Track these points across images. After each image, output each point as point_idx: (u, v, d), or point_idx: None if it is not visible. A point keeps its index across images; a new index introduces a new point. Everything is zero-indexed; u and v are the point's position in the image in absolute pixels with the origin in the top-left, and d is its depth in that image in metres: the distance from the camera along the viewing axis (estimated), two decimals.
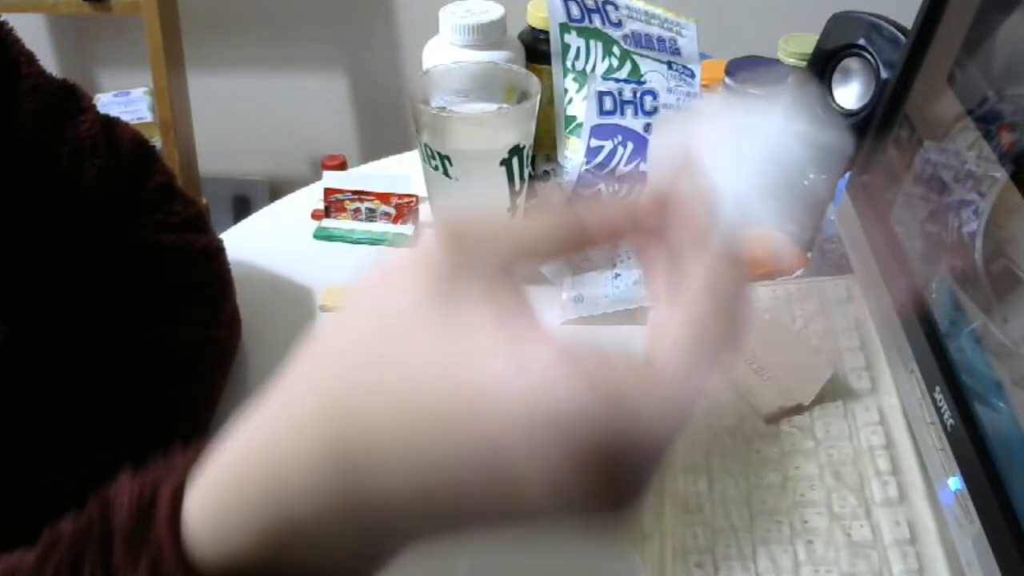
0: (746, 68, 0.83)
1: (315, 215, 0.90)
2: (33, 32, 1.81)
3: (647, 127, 0.78)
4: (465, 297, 0.27)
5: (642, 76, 0.85)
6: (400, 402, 0.26)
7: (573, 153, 0.87)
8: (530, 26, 0.92)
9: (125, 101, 1.79)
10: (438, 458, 0.26)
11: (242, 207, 2.03)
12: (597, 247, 0.32)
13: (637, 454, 0.26)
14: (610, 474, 0.26)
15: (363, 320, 0.28)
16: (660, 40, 0.82)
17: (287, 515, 0.27)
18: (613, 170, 0.77)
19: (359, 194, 0.87)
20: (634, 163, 0.77)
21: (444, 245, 0.28)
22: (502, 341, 0.26)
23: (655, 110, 0.78)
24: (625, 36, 0.83)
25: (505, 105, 0.76)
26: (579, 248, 0.31)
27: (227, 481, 0.28)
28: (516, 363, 0.26)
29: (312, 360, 0.29)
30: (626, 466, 0.26)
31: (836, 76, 0.81)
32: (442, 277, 0.27)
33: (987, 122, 0.53)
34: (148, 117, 1.77)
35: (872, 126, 0.68)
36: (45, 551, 0.29)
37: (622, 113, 0.78)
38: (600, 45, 0.85)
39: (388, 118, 1.98)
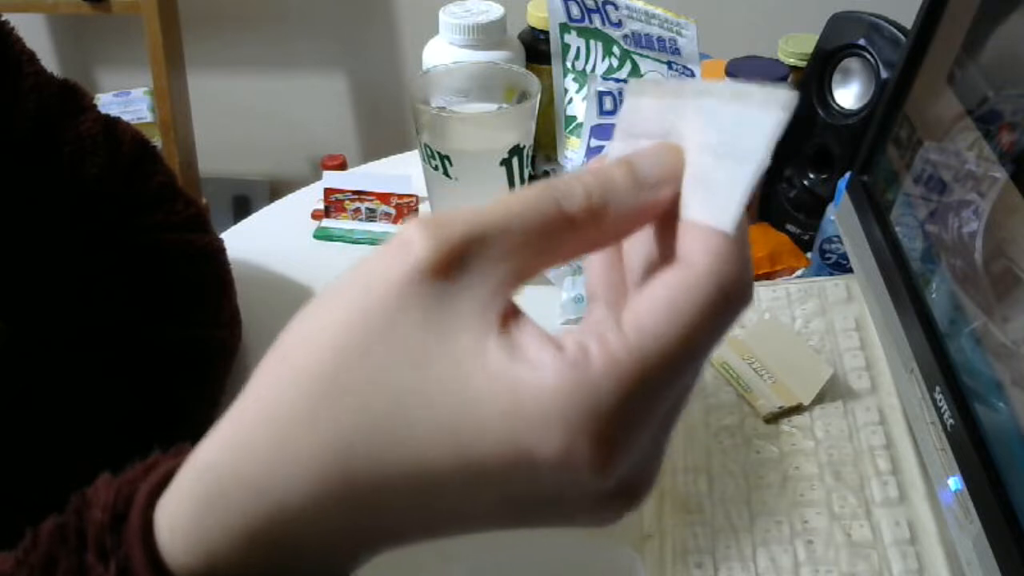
0: (746, 68, 0.83)
1: (315, 215, 0.90)
2: (33, 32, 1.81)
3: None
4: (454, 305, 0.26)
5: (642, 76, 0.85)
6: (401, 428, 0.25)
7: (573, 153, 0.87)
8: (530, 26, 0.92)
9: (125, 101, 1.79)
10: (445, 487, 0.26)
11: (242, 207, 2.03)
12: (585, 237, 0.27)
13: (633, 426, 0.26)
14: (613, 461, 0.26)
15: (346, 325, 0.26)
16: (660, 40, 0.82)
17: (278, 532, 0.27)
18: None
19: (359, 194, 0.87)
20: None
21: (433, 242, 0.26)
22: (494, 365, 0.25)
23: None
24: (625, 36, 0.83)
25: (505, 105, 0.77)
26: (561, 235, 0.27)
27: (210, 493, 0.27)
28: (511, 386, 0.25)
29: (296, 370, 0.26)
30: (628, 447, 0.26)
31: (836, 76, 0.81)
32: (429, 277, 0.25)
33: (987, 122, 0.53)
34: (148, 117, 1.77)
35: (872, 126, 0.68)
36: (25, 548, 0.29)
37: None
38: (600, 45, 0.85)
39: (388, 118, 1.98)
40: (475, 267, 0.26)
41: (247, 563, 0.27)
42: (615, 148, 0.30)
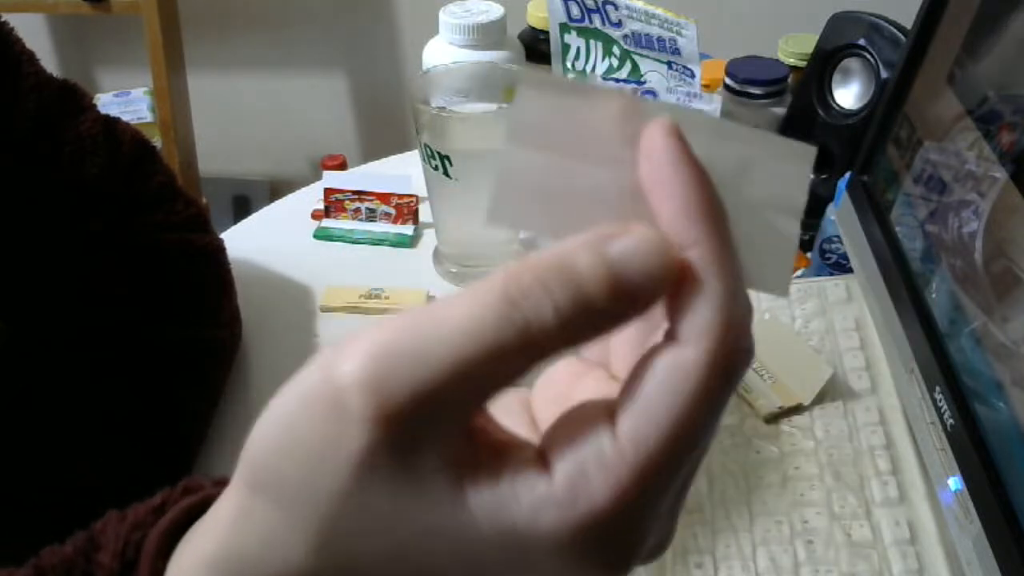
0: (746, 68, 0.83)
1: (315, 215, 0.90)
2: (33, 32, 1.81)
3: None
4: (417, 468, 0.24)
5: (642, 76, 0.85)
6: None
7: None
8: (530, 26, 0.92)
9: (125, 101, 1.79)
10: None
11: (242, 207, 2.03)
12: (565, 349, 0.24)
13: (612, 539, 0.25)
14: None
15: (324, 502, 0.24)
16: (660, 40, 0.82)
17: None
18: None
19: (359, 194, 0.87)
20: None
21: (376, 419, 0.23)
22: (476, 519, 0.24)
23: None
24: (625, 36, 0.83)
25: (505, 105, 0.76)
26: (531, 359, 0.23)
27: None
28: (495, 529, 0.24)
29: (290, 522, 0.25)
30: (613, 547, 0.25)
31: (836, 76, 0.81)
32: (380, 457, 0.23)
33: (987, 122, 0.53)
34: (148, 117, 1.77)
35: (872, 126, 0.68)
36: None
37: None
38: (600, 45, 0.85)
39: (388, 118, 1.98)
40: (431, 428, 0.23)
41: None
42: (521, 160, 0.26)
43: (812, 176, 0.25)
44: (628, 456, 0.23)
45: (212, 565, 0.27)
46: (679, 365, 0.23)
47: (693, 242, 0.24)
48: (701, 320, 0.23)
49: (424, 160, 0.76)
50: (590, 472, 0.23)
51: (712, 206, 0.24)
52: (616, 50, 0.85)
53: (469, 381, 0.23)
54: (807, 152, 0.25)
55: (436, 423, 0.23)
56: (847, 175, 0.71)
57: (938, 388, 0.52)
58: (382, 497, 0.24)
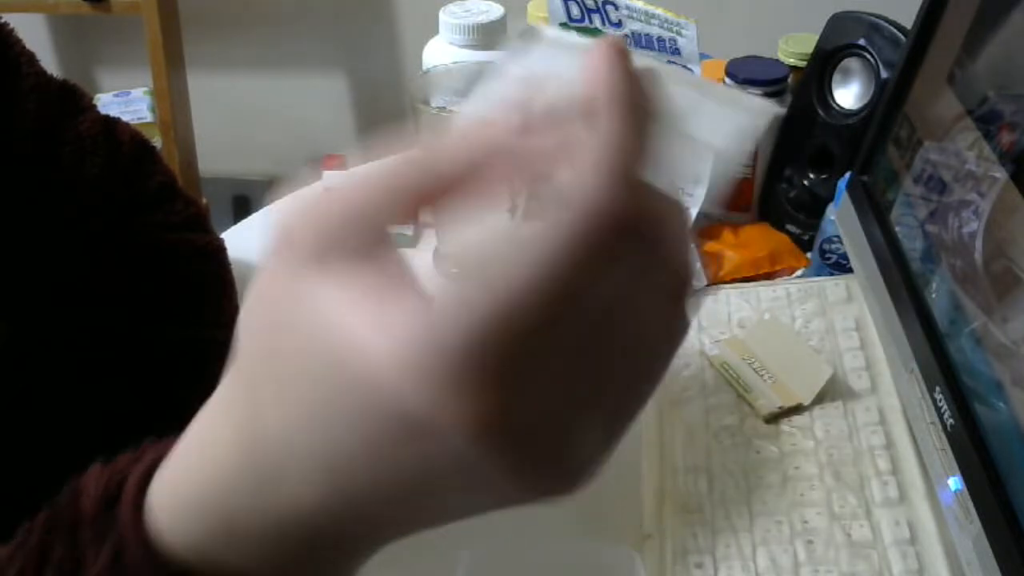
0: (746, 68, 0.83)
1: None
2: (33, 32, 1.81)
3: None
4: (329, 280, 0.26)
5: None
6: (291, 394, 0.28)
7: None
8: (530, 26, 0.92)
9: (125, 101, 1.80)
10: (340, 446, 0.25)
11: (242, 207, 2.03)
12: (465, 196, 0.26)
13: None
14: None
15: (258, 326, 0.30)
16: (660, 40, 0.82)
17: (224, 519, 0.28)
18: None
19: None
20: None
21: (302, 232, 0.27)
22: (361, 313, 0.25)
23: None
24: (625, 36, 0.83)
25: None
26: (434, 198, 0.27)
27: (178, 481, 0.29)
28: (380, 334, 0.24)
29: (234, 370, 0.30)
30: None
31: (836, 76, 0.81)
32: (305, 263, 0.26)
33: (987, 122, 0.53)
34: (148, 117, 1.77)
35: (872, 126, 0.68)
36: (22, 537, 0.30)
37: None
38: None
39: (388, 118, 1.98)
40: (345, 247, 0.26)
41: (221, 560, 0.28)
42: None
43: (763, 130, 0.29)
44: (488, 292, 0.23)
45: (183, 456, 0.29)
46: (560, 208, 0.24)
47: (600, 112, 0.25)
48: (573, 185, 0.24)
49: None
50: (438, 296, 0.24)
51: (632, 91, 0.25)
52: None
53: (383, 192, 0.27)
54: (767, 108, 0.28)
55: (352, 227, 0.26)
56: (847, 175, 0.71)
57: (938, 388, 0.52)
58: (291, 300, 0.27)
